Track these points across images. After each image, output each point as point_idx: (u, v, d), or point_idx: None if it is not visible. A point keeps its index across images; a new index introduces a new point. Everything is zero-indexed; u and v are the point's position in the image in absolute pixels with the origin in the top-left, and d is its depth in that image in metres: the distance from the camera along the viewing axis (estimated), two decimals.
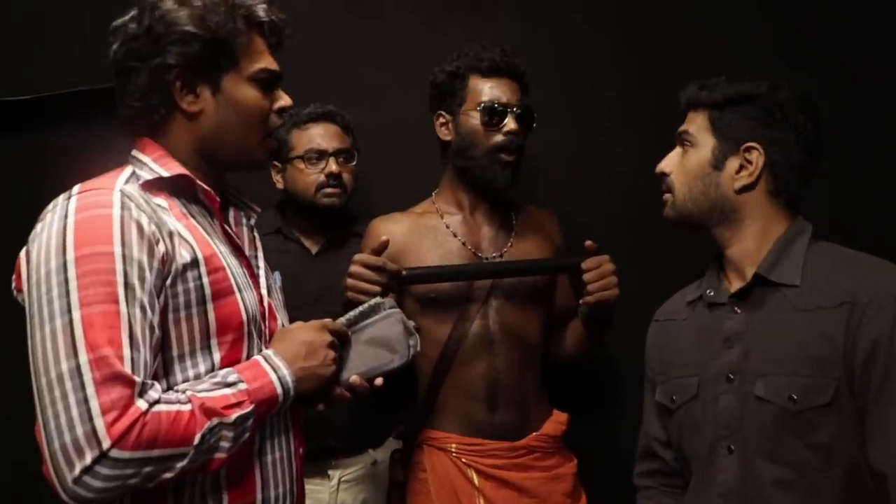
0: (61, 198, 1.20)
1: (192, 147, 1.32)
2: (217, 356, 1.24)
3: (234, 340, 1.26)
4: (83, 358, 1.08)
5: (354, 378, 1.40)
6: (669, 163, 1.54)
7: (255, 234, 1.47)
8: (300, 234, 2.28)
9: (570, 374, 2.16)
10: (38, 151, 2.34)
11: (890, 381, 1.31)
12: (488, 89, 1.94)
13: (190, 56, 1.27)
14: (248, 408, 1.20)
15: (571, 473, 1.99)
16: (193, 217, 1.30)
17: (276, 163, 2.22)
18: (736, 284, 1.49)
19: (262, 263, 1.43)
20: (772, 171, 1.45)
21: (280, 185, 2.27)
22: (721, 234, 1.50)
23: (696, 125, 1.50)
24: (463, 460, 1.90)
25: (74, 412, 1.07)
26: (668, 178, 1.53)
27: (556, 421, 2.01)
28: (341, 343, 1.41)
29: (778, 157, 1.45)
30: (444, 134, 2.00)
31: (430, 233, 1.99)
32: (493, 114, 1.92)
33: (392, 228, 1.97)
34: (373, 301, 1.50)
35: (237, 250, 1.36)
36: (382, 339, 1.47)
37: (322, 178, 2.18)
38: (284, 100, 1.38)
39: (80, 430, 1.06)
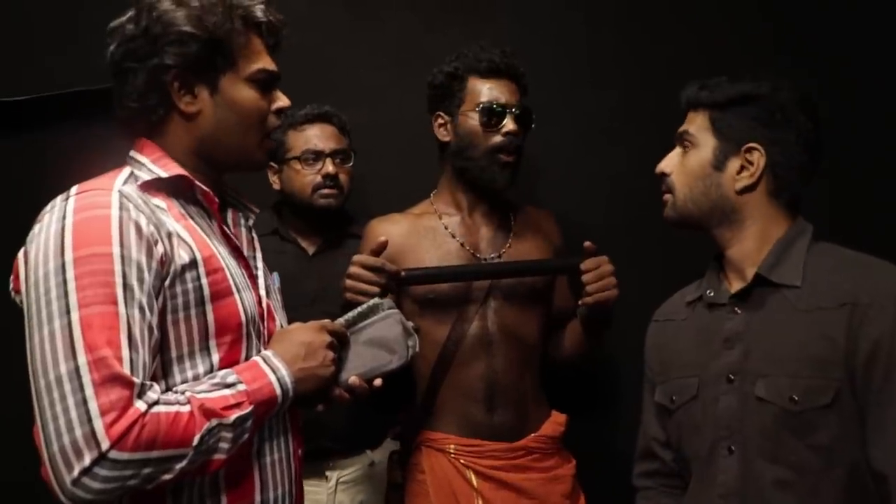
0: (59, 199, 1.20)
1: (190, 148, 1.32)
2: (216, 357, 1.24)
3: (232, 341, 1.26)
4: (82, 359, 1.07)
5: (353, 379, 1.40)
6: (669, 163, 1.53)
7: (254, 235, 1.47)
8: (297, 235, 2.27)
9: (568, 374, 2.15)
10: (37, 152, 2.33)
11: (891, 381, 1.31)
12: (487, 90, 1.94)
13: (187, 56, 1.27)
14: (248, 409, 1.20)
15: (570, 474, 1.99)
16: (192, 218, 1.29)
17: (272, 164, 2.22)
18: (736, 285, 1.49)
19: (260, 264, 1.43)
20: (773, 171, 1.45)
21: (276, 186, 2.27)
22: (721, 234, 1.50)
23: (697, 125, 1.50)
24: (461, 461, 1.90)
25: (73, 414, 1.06)
26: (669, 178, 1.53)
27: (555, 422, 2.01)
28: (340, 344, 1.41)
29: (779, 157, 1.44)
30: (443, 135, 2.00)
31: (429, 234, 1.99)
32: (491, 114, 1.92)
33: (390, 229, 1.97)
34: (371, 302, 1.50)
35: (236, 251, 1.35)
36: (381, 339, 1.47)
37: (318, 179, 2.18)
38: (283, 100, 1.38)
39: (78, 432, 1.06)
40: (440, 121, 2.00)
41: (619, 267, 1.86)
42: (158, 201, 1.25)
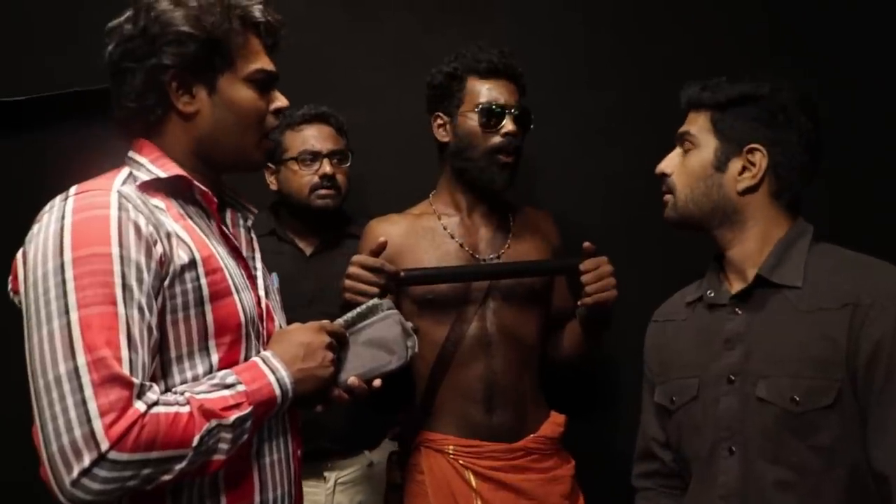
0: (58, 199, 1.20)
1: (188, 148, 1.32)
2: (215, 357, 1.24)
3: (232, 342, 1.26)
4: (81, 360, 1.07)
5: (353, 379, 1.40)
6: (670, 163, 1.53)
7: (253, 236, 1.46)
8: (294, 236, 2.27)
9: (567, 375, 2.15)
10: (37, 152, 2.33)
11: (892, 382, 1.31)
12: (486, 91, 1.94)
13: (185, 57, 1.26)
14: (247, 409, 1.20)
15: (569, 475, 1.99)
16: (191, 218, 1.29)
17: (269, 164, 2.21)
18: (737, 286, 1.48)
19: (259, 265, 1.43)
20: (775, 172, 1.45)
21: (274, 187, 2.27)
22: (722, 235, 1.50)
23: (698, 126, 1.50)
24: (460, 462, 1.90)
25: (72, 414, 1.06)
26: (669, 178, 1.52)
27: (554, 422, 2.00)
28: (339, 344, 1.40)
29: (781, 158, 1.44)
30: (442, 135, 2.00)
31: (428, 234, 1.99)
32: (490, 115, 1.92)
33: (389, 230, 1.97)
34: (371, 302, 1.50)
35: (235, 251, 1.35)
36: (380, 340, 1.46)
37: (316, 179, 2.18)
38: (281, 100, 1.38)
39: (78, 433, 1.06)
40: (439, 121, 2.00)
41: (618, 267, 1.85)
42: (157, 201, 1.25)
